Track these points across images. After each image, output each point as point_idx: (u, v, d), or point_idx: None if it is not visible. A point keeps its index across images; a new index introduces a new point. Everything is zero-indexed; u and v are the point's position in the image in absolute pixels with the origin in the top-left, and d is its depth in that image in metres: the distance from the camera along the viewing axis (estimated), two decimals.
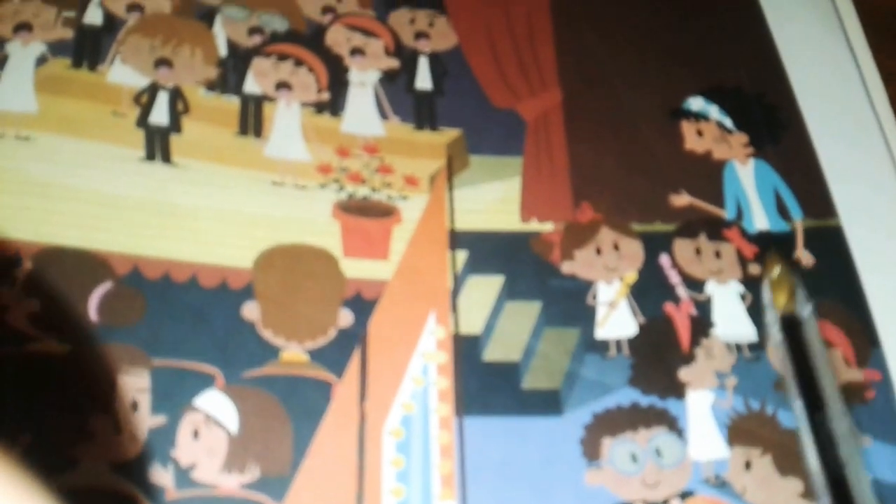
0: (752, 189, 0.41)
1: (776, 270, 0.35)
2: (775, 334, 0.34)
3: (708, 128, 0.42)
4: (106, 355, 0.33)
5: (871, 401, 0.36)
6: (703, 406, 0.35)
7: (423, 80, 0.42)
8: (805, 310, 0.34)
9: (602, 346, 0.36)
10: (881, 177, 0.41)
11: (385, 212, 0.38)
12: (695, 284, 0.38)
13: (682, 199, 0.40)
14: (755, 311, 0.37)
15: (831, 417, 0.32)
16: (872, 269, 0.38)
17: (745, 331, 0.37)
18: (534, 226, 0.39)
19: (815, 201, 0.40)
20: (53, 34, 0.38)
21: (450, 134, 0.41)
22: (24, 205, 0.35)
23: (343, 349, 0.35)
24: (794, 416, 0.33)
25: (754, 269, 0.39)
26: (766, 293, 0.35)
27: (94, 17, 0.39)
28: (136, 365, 0.33)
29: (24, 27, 0.38)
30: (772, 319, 0.35)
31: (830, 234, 0.40)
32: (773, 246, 0.38)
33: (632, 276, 0.38)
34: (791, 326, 0.34)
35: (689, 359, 0.36)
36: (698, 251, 0.39)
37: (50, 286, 0.33)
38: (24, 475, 0.16)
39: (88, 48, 0.39)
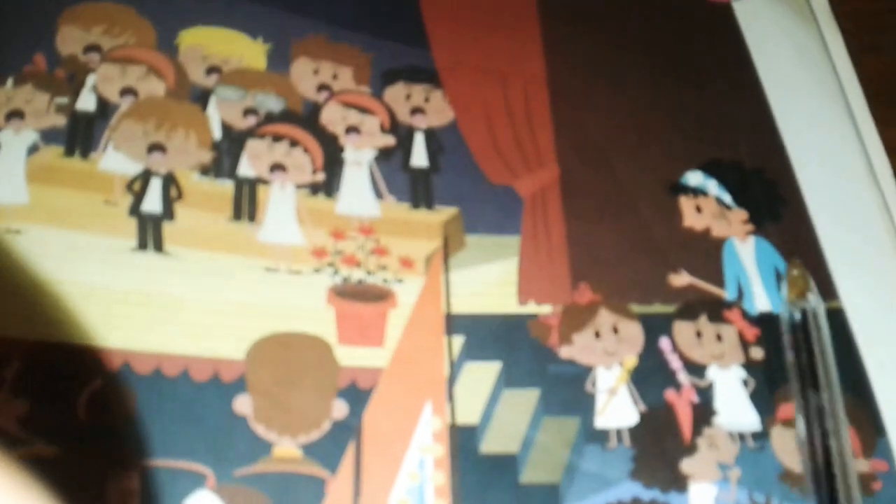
0: (752, 268, 0.40)
1: (794, 270, 0.38)
2: (786, 324, 0.37)
3: (707, 203, 0.42)
4: (96, 457, 0.32)
5: (879, 492, 0.35)
6: (706, 500, 0.35)
7: (419, 157, 0.42)
8: (816, 305, 0.37)
9: (602, 437, 0.36)
10: (884, 257, 0.40)
11: (380, 296, 0.38)
12: (696, 369, 0.37)
13: (681, 279, 0.40)
14: (758, 398, 0.37)
15: (825, 398, 0.35)
16: (876, 355, 0.37)
17: (749, 419, 0.36)
18: (531, 308, 0.38)
19: (816, 282, 0.39)
20: (46, 121, 0.38)
21: (446, 213, 0.40)
22: (12, 301, 0.34)
23: (337, 442, 0.34)
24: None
25: (756, 352, 0.38)
26: (784, 289, 0.39)
27: (87, 103, 0.39)
28: (126, 467, 0.32)
29: (16, 114, 0.38)
30: (785, 312, 0.38)
31: (832, 317, 0.39)
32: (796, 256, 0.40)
33: (632, 360, 0.38)
34: (803, 319, 0.37)
35: (691, 449, 0.36)
36: (699, 334, 0.38)
37: (39, 386, 0.33)
38: (23, 476, 0.16)
39: (81, 135, 0.38)
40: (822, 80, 0.45)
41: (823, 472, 0.34)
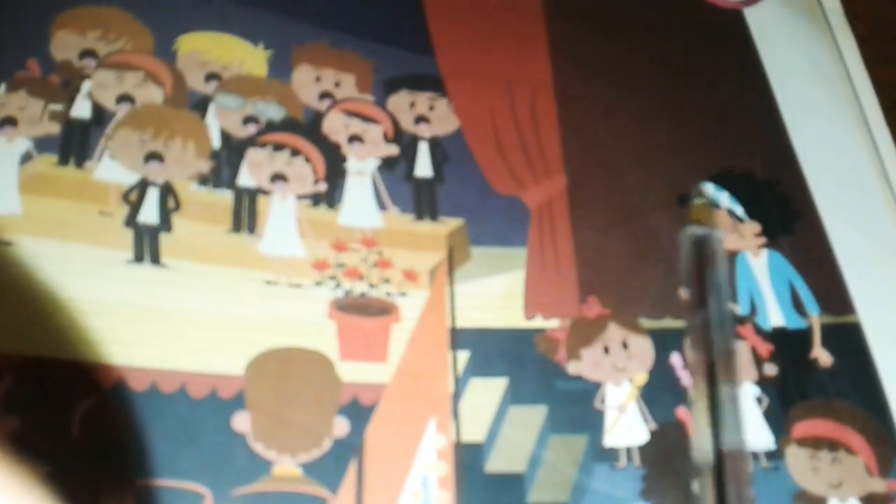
0: (765, 282, 0.39)
1: (698, 199, 0.39)
2: (685, 250, 0.38)
3: (719, 216, 0.41)
4: (89, 476, 0.31)
5: None
6: None
7: (423, 167, 0.41)
8: (714, 231, 0.38)
9: (611, 455, 0.35)
10: None
11: (383, 310, 0.37)
12: None
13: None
14: (772, 416, 0.36)
15: (710, 314, 0.35)
16: (894, 370, 0.36)
17: (763, 438, 0.35)
18: (538, 322, 0.38)
19: (831, 296, 0.39)
20: (39, 129, 0.37)
21: (451, 224, 0.39)
22: (4, 315, 0.33)
23: (338, 461, 0.33)
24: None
25: (770, 369, 0.37)
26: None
27: (82, 110, 0.38)
28: (121, 486, 0.31)
29: (8, 122, 0.37)
30: (685, 237, 0.38)
31: (849, 332, 0.38)
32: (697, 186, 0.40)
33: (642, 377, 0.37)
34: (698, 243, 0.38)
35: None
36: None
37: (31, 402, 0.32)
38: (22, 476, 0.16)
39: (76, 143, 0.37)
40: (836, 89, 0.44)
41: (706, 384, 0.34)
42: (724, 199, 0.41)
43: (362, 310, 0.37)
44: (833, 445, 0.35)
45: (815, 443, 0.36)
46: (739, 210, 0.41)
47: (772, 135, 0.44)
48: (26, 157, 0.37)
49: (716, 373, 0.34)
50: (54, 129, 0.37)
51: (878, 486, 0.35)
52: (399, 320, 0.37)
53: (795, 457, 0.35)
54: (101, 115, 0.38)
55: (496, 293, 0.38)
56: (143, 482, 0.31)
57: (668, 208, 0.41)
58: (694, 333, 0.36)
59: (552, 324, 0.38)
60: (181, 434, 0.32)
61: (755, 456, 0.35)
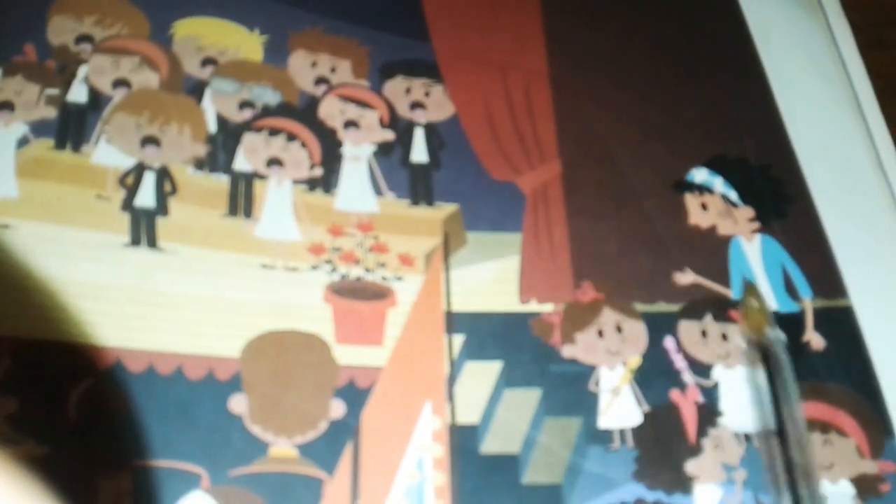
0: (758, 266, 0.39)
1: (752, 300, 0.37)
2: (747, 360, 0.36)
3: (712, 201, 0.41)
4: (87, 457, 0.31)
5: (887, 494, 0.35)
6: (711, 502, 0.34)
7: (419, 152, 0.41)
8: (775, 339, 0.36)
9: (605, 437, 0.35)
10: (894, 254, 0.39)
11: (379, 294, 0.37)
12: (701, 369, 0.37)
13: (686, 278, 0.39)
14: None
15: (794, 448, 0.33)
16: (885, 353, 0.37)
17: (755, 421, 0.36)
18: (533, 307, 0.38)
19: (824, 280, 0.39)
20: (36, 114, 0.37)
21: (446, 209, 0.40)
22: (1, 297, 0.33)
23: (334, 443, 0.33)
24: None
25: None
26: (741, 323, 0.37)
27: (78, 94, 0.38)
28: (119, 467, 0.31)
29: (5, 106, 0.37)
30: (745, 346, 0.37)
31: (841, 316, 0.38)
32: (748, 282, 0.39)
33: (635, 360, 0.37)
34: (763, 353, 0.36)
35: (696, 450, 0.35)
36: (704, 333, 0.37)
37: (29, 384, 0.32)
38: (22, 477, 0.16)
39: (72, 128, 0.37)
40: (830, 75, 0.44)
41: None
42: (719, 184, 0.42)
43: (358, 294, 0.37)
44: (825, 427, 0.36)
45: (808, 425, 0.36)
46: (733, 195, 0.41)
47: (766, 121, 0.44)
48: (23, 142, 0.37)
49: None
50: (51, 113, 0.37)
51: (869, 467, 0.35)
52: (395, 304, 0.37)
53: None
54: (97, 100, 0.38)
55: (491, 278, 0.38)
56: (140, 462, 0.32)
57: (663, 193, 0.41)
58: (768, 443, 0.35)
59: (547, 308, 0.38)
60: (178, 415, 0.33)
61: (747, 437, 0.36)
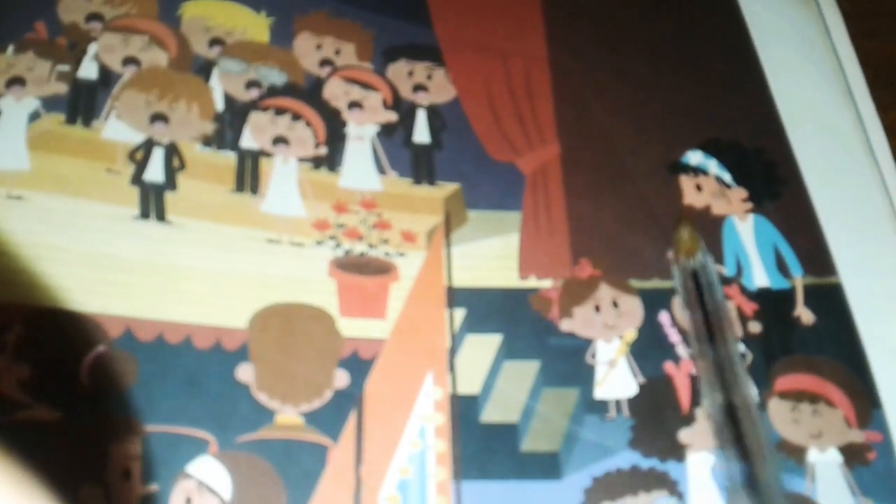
0: (751, 245, 0.40)
1: (683, 231, 0.39)
2: (678, 284, 0.38)
3: (707, 182, 0.42)
4: (98, 422, 0.32)
5: (873, 462, 0.36)
6: (703, 469, 0.35)
7: (422, 133, 0.42)
8: (704, 262, 0.38)
9: (601, 407, 0.36)
10: (882, 234, 0.40)
11: (382, 269, 0.38)
12: None
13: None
14: (755, 371, 0.37)
15: (722, 352, 0.36)
16: (873, 328, 0.38)
17: None
18: (532, 282, 0.39)
19: (814, 258, 0.40)
20: (47, 89, 0.38)
21: (448, 188, 0.41)
22: (14, 267, 0.34)
23: (339, 411, 0.34)
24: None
25: (754, 327, 0.38)
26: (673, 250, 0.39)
27: (89, 71, 0.39)
28: (129, 431, 0.32)
29: (17, 81, 0.38)
30: (676, 272, 0.39)
31: (830, 292, 0.39)
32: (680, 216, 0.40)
33: (631, 334, 0.38)
34: (694, 276, 0.38)
35: (689, 420, 0.36)
36: None
37: (41, 351, 0.33)
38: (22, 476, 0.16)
39: (83, 103, 0.38)
40: (822, 62, 0.46)
41: (730, 428, 0.34)
42: (713, 166, 0.43)
43: (362, 269, 0.38)
44: (813, 398, 0.37)
45: (797, 396, 0.37)
46: (727, 177, 0.43)
47: (759, 105, 0.45)
48: (34, 116, 0.37)
49: (738, 417, 0.34)
50: (62, 89, 0.38)
51: (857, 436, 0.36)
52: (398, 279, 0.38)
53: (777, 408, 0.37)
54: (107, 77, 0.39)
55: (491, 254, 0.39)
56: (149, 428, 0.32)
57: (658, 175, 0.42)
58: (702, 362, 0.36)
59: (545, 284, 0.39)
60: (186, 383, 0.34)
61: None
